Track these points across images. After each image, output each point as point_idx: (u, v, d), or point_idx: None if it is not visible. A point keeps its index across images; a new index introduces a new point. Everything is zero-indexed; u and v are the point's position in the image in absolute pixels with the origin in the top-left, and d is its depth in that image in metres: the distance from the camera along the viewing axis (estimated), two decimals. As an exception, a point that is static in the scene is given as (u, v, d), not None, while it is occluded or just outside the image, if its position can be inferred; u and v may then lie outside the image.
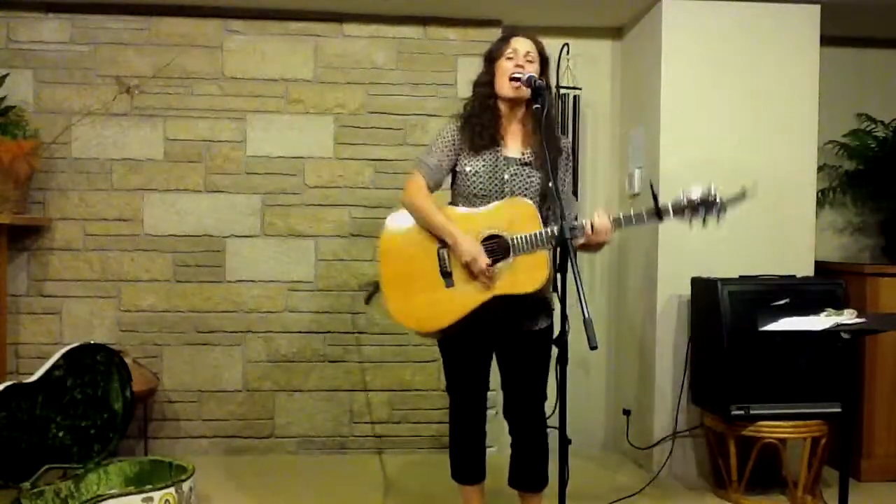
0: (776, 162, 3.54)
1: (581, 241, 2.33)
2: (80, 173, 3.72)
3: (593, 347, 1.91)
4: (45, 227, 3.69)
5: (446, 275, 2.38)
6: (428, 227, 2.42)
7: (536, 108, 2.31)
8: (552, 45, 3.13)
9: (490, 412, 2.69)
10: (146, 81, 3.73)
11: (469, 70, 3.47)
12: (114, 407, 3.03)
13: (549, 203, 2.43)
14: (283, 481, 3.43)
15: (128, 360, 3.16)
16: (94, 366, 2.97)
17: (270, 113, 3.81)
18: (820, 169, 3.80)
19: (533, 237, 2.32)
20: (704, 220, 2.27)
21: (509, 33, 2.52)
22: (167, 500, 2.68)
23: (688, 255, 3.43)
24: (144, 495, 2.65)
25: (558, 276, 2.23)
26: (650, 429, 3.58)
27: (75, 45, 3.71)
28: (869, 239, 4.15)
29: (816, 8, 3.53)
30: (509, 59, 2.42)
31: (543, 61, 2.48)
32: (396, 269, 2.44)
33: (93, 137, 3.72)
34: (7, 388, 2.70)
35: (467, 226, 2.38)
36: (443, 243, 2.40)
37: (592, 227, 2.31)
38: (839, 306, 2.67)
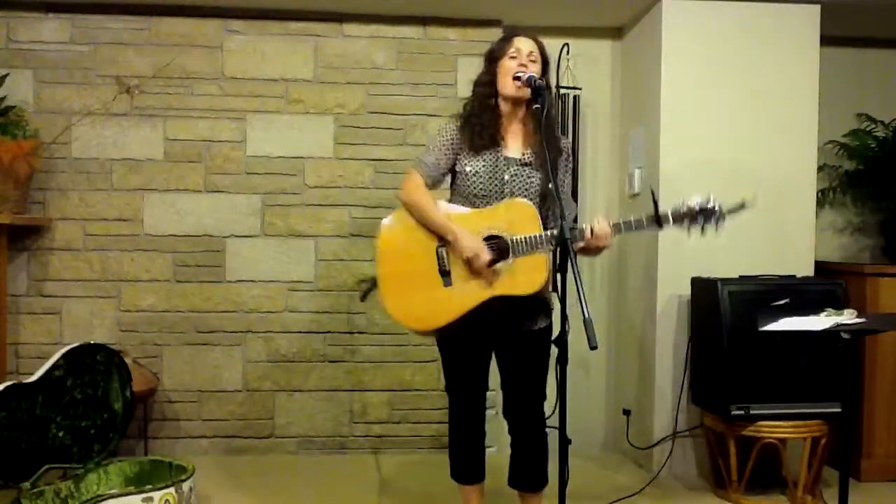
0: (776, 162, 3.54)
1: (581, 244, 2.34)
2: (80, 173, 3.72)
3: (593, 347, 1.91)
4: (45, 227, 3.69)
5: (445, 274, 2.38)
6: (427, 224, 2.41)
7: (536, 108, 2.31)
8: (552, 45, 3.13)
9: (490, 412, 2.69)
10: (146, 81, 3.73)
11: (469, 70, 3.47)
12: (114, 407, 3.03)
13: (549, 204, 2.43)
14: (282, 481, 3.43)
15: (128, 360, 3.16)
16: (94, 366, 2.97)
17: (270, 113, 3.81)
18: (820, 169, 3.80)
19: (533, 239, 2.32)
20: (703, 230, 2.31)
21: (511, 33, 2.52)
22: (167, 500, 2.68)
23: (688, 255, 3.43)
24: (144, 495, 2.65)
25: (558, 275, 2.23)
26: (650, 429, 3.58)
27: (75, 45, 3.71)
28: (869, 239, 4.15)
29: (816, 8, 3.53)
30: (512, 58, 2.42)
31: (544, 62, 2.48)
32: (395, 268, 2.44)
33: (93, 137, 3.72)
34: (7, 388, 2.70)
35: (466, 226, 2.38)
36: (441, 242, 2.39)
37: (592, 232, 2.31)
38: (839, 306, 2.67)
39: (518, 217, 2.35)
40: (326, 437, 3.83)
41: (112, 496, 2.63)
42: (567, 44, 3.90)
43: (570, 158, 2.57)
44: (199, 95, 3.77)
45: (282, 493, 3.27)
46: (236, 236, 3.80)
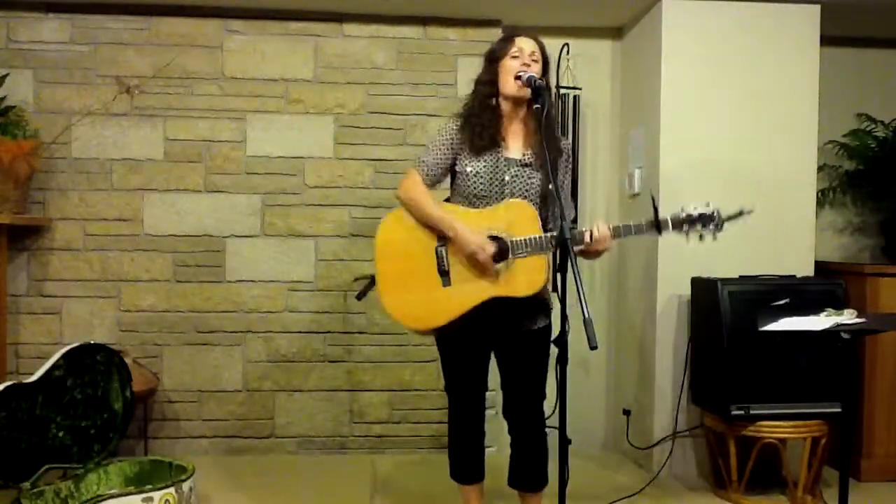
0: (776, 162, 3.54)
1: (581, 247, 2.34)
2: (80, 173, 3.72)
3: (593, 347, 1.91)
4: (45, 227, 3.69)
5: (444, 273, 2.38)
6: (426, 221, 2.41)
7: (537, 108, 2.31)
8: (552, 45, 3.13)
9: (490, 412, 2.69)
10: (146, 81, 3.73)
11: (469, 70, 3.47)
12: (114, 407, 3.03)
13: (549, 205, 2.43)
14: (282, 481, 3.43)
15: (128, 360, 3.16)
16: (94, 366, 2.97)
17: (270, 113, 3.81)
18: (820, 169, 3.80)
19: (532, 240, 2.32)
20: (701, 236, 2.37)
21: (512, 33, 2.52)
22: (167, 500, 2.68)
23: (688, 255, 3.41)
24: (144, 495, 2.64)
25: (558, 275, 2.23)
26: (650, 429, 3.58)
27: (75, 45, 3.71)
28: (869, 239, 4.15)
29: (816, 8, 3.53)
30: (515, 57, 2.42)
31: (545, 62, 2.48)
32: (394, 267, 2.44)
33: (93, 137, 3.72)
34: (7, 388, 2.70)
35: (466, 225, 2.37)
36: (441, 241, 2.39)
37: (592, 236, 2.32)
38: (839, 306, 2.68)
39: (517, 218, 2.35)
40: (326, 437, 3.83)
41: (112, 496, 2.63)
42: (567, 44, 3.90)
43: (570, 160, 2.56)
44: (199, 95, 3.77)
45: (282, 493, 3.27)
46: (236, 236, 3.80)
